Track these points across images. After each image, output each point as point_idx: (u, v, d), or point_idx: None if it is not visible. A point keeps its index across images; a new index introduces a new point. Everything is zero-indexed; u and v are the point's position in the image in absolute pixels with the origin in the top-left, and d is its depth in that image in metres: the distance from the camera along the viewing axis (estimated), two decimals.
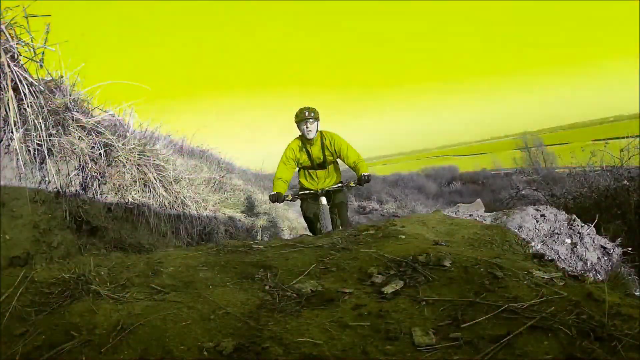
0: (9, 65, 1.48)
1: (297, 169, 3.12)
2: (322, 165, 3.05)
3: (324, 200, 2.92)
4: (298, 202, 3.12)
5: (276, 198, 2.82)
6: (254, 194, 5.56)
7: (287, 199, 2.91)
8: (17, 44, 1.57)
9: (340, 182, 3.09)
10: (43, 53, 1.71)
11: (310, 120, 2.83)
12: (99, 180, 1.93)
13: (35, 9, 1.62)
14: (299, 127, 2.90)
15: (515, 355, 0.73)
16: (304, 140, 2.95)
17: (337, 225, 3.05)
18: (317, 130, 2.92)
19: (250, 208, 4.68)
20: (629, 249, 2.06)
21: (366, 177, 2.82)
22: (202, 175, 3.66)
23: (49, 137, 1.63)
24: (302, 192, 3.04)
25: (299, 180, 3.20)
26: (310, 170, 3.08)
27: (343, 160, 3.04)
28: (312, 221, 3.05)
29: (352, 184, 2.96)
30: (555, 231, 2.06)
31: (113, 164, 2.07)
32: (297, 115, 2.90)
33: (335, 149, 2.98)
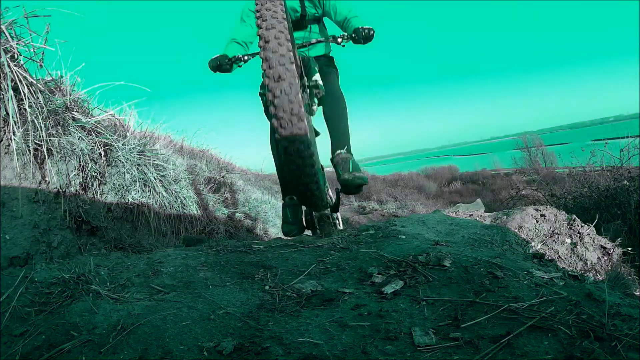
0: (9, 65, 1.48)
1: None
2: (301, 24, 2.06)
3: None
4: None
5: (218, 63, 1.83)
6: (254, 194, 5.56)
7: (237, 62, 1.85)
8: (17, 44, 1.57)
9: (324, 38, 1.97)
10: (43, 53, 1.71)
11: None
12: (99, 180, 1.93)
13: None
14: None
15: (515, 355, 0.73)
16: None
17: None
18: None
19: (250, 208, 4.68)
20: (629, 249, 2.06)
21: (365, 31, 1.80)
22: (202, 175, 3.66)
23: (49, 137, 1.63)
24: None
25: None
26: None
27: (330, 17, 2.07)
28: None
29: (342, 39, 1.86)
30: (555, 231, 2.06)
31: (113, 164, 2.07)
32: None
33: None
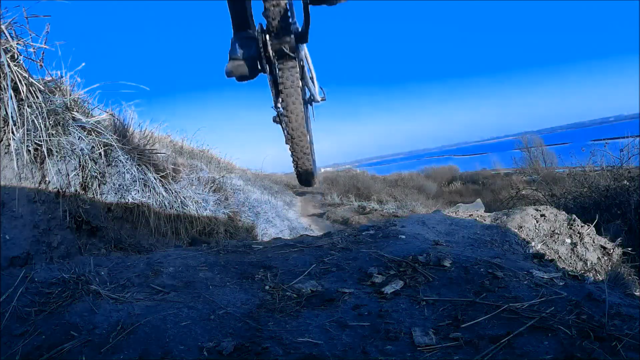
0: (9, 65, 1.47)
1: None
2: None
3: None
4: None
5: None
6: (254, 194, 5.56)
7: None
8: (17, 44, 1.56)
9: None
10: (43, 53, 1.71)
11: None
12: (99, 180, 1.93)
13: (35, 9, 1.62)
14: None
15: (515, 355, 0.73)
16: None
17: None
18: None
19: (250, 208, 4.68)
20: (629, 249, 2.06)
21: None
22: (202, 175, 3.66)
23: (49, 137, 1.63)
24: None
25: None
26: None
27: None
28: None
29: None
30: (555, 231, 2.06)
31: (113, 164, 2.07)
32: None
33: None
